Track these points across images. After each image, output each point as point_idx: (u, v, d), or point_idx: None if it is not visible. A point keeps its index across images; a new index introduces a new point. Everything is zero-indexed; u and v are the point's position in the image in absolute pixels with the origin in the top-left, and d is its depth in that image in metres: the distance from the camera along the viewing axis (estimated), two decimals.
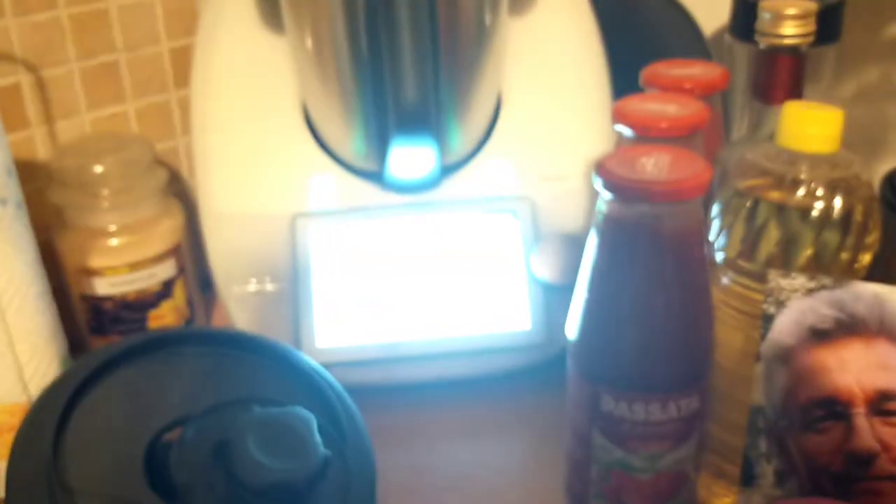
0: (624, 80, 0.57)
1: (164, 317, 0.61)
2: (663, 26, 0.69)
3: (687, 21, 0.69)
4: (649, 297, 0.40)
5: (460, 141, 0.60)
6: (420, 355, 0.57)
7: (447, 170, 0.59)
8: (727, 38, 0.66)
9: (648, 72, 0.54)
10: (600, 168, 0.40)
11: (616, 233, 0.40)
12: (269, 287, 0.58)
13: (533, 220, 0.59)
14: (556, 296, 0.56)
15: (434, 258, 0.58)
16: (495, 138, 0.60)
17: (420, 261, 0.58)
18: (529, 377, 0.57)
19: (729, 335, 0.45)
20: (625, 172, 0.40)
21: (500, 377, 0.58)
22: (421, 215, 0.58)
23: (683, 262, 0.41)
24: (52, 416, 0.41)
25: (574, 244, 0.56)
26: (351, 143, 0.58)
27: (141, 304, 0.60)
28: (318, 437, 0.41)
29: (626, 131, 0.48)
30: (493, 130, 0.61)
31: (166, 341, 0.47)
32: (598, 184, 0.40)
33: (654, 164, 0.40)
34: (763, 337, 0.41)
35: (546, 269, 0.57)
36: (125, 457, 0.42)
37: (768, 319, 0.41)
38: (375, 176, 0.59)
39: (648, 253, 0.40)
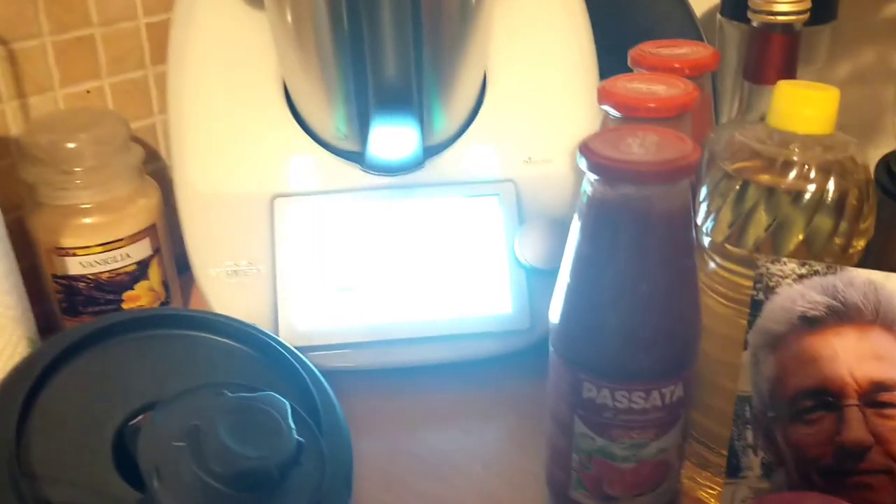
0: (612, 61, 0.56)
1: (139, 298, 0.60)
2: (653, 5, 0.67)
3: (677, 0, 0.67)
4: (633, 281, 0.39)
5: (444, 122, 0.58)
6: (401, 339, 0.56)
7: (430, 151, 0.58)
8: (719, 17, 0.65)
9: (636, 52, 0.53)
10: (584, 148, 0.39)
11: (600, 215, 0.39)
12: (247, 269, 0.56)
13: (517, 203, 0.57)
14: (539, 280, 0.55)
15: (416, 241, 0.57)
16: (480, 119, 0.59)
17: (402, 243, 0.56)
18: (512, 363, 0.56)
19: (715, 322, 0.43)
20: (610, 152, 0.38)
21: (482, 362, 0.57)
22: (403, 197, 0.57)
23: (669, 246, 0.39)
24: (17, 399, 0.40)
25: (559, 228, 0.55)
26: (332, 122, 0.57)
27: (115, 285, 0.59)
28: (291, 424, 0.40)
29: (613, 112, 0.47)
30: (478, 111, 0.59)
31: (137, 323, 0.46)
32: (582, 164, 0.39)
33: (640, 145, 0.39)
34: (751, 324, 0.40)
35: (530, 252, 0.55)
36: (93, 442, 0.41)
37: (756, 306, 0.39)
38: (357, 156, 0.58)
39: (633, 236, 0.39)
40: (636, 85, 0.48)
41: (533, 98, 0.60)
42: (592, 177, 0.39)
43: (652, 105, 0.45)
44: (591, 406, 0.41)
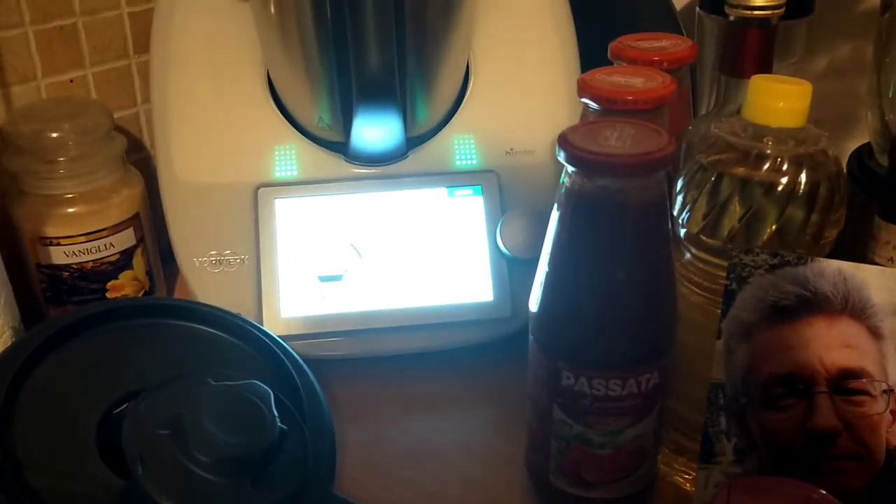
0: (593, 53, 0.56)
1: (124, 288, 0.60)
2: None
3: None
4: (610, 272, 0.40)
5: (427, 113, 0.59)
6: (384, 328, 0.56)
7: (413, 142, 0.59)
8: (698, 11, 0.65)
9: (616, 44, 0.53)
10: (563, 140, 0.39)
11: (578, 206, 0.40)
12: (231, 259, 0.57)
13: (499, 193, 0.58)
14: (521, 269, 0.56)
15: (399, 230, 0.57)
16: (463, 111, 0.60)
17: (385, 233, 0.57)
18: (493, 351, 0.57)
19: (691, 311, 0.44)
20: (587, 145, 0.39)
21: (464, 351, 0.57)
22: (386, 188, 0.57)
23: (646, 236, 0.40)
24: (0, 387, 0.40)
25: (540, 218, 0.56)
26: (315, 113, 0.57)
27: (99, 275, 0.59)
28: (274, 412, 0.41)
29: (592, 104, 0.48)
30: (460, 103, 0.60)
31: (121, 312, 0.47)
32: (560, 156, 0.39)
33: (617, 137, 0.40)
34: (724, 313, 0.41)
35: (512, 242, 0.56)
36: (77, 429, 0.41)
37: (730, 295, 0.40)
38: (340, 147, 0.58)
39: (610, 227, 0.39)
40: (615, 78, 0.48)
41: (515, 90, 0.60)
42: (571, 168, 0.39)
43: (630, 98, 0.46)
44: (569, 393, 0.42)
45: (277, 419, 0.40)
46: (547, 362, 0.43)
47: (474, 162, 0.59)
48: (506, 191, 0.58)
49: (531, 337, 0.44)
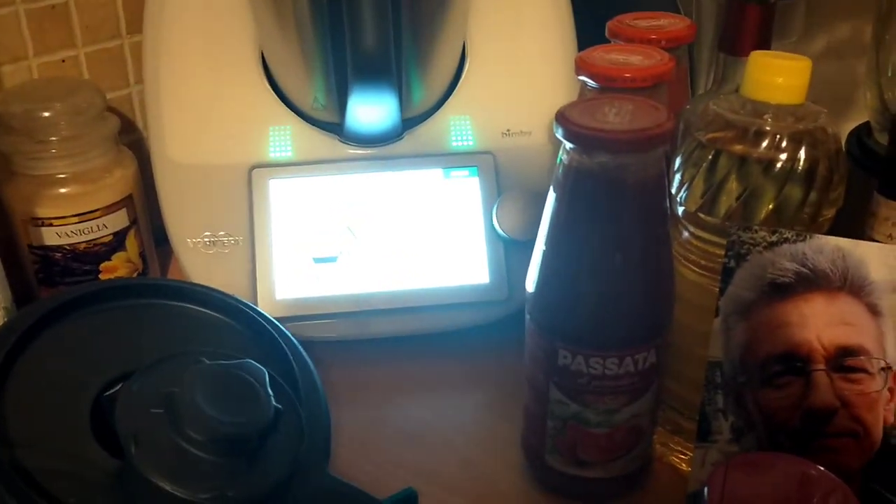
0: (591, 32, 0.56)
1: (117, 269, 0.60)
2: None
3: None
4: (608, 250, 0.39)
5: (423, 93, 0.58)
6: (380, 309, 0.56)
7: (409, 123, 0.58)
8: None
9: (614, 23, 0.53)
10: (561, 117, 0.39)
11: (576, 184, 0.39)
12: (225, 239, 0.56)
13: (496, 175, 0.58)
14: (517, 251, 0.56)
15: (394, 212, 0.57)
16: (459, 91, 0.59)
17: (380, 214, 0.57)
18: (489, 334, 0.57)
19: (688, 290, 0.44)
20: (586, 121, 0.39)
21: (460, 332, 0.57)
22: (382, 168, 0.57)
23: (643, 214, 0.40)
24: None
25: (537, 199, 0.55)
26: (310, 92, 0.57)
27: (92, 256, 0.58)
28: (269, 391, 0.40)
29: (590, 82, 0.47)
30: (457, 83, 0.59)
31: (113, 293, 0.46)
32: (558, 132, 0.39)
33: (616, 113, 0.39)
34: (722, 291, 0.40)
35: (508, 224, 0.56)
36: (70, 410, 0.41)
37: (728, 273, 0.40)
38: (335, 127, 0.58)
39: (608, 205, 0.39)
40: (613, 56, 0.48)
41: (512, 70, 0.60)
42: (568, 145, 0.39)
43: (629, 75, 0.46)
44: (565, 372, 0.42)
45: (272, 398, 0.40)
46: (544, 342, 0.42)
47: (470, 143, 0.58)
48: (502, 172, 0.58)
49: (528, 317, 0.44)
